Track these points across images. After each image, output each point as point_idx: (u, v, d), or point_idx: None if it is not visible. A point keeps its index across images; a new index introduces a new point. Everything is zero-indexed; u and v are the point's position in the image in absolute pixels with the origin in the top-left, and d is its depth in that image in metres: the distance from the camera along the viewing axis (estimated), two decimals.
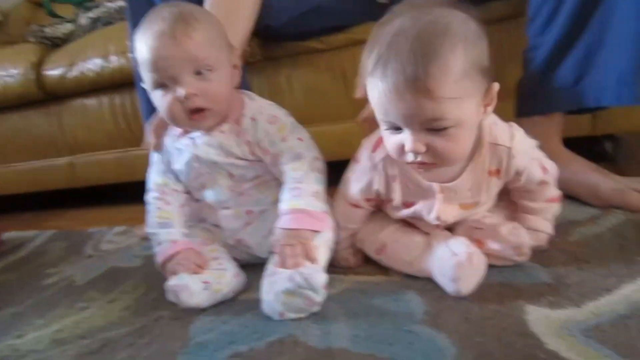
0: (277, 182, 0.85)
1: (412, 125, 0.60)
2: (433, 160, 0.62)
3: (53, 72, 1.49)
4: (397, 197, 0.75)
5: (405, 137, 0.61)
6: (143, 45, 0.77)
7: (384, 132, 0.66)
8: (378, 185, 0.75)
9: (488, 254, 0.71)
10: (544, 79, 0.93)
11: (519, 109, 0.97)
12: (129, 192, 1.62)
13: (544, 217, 0.76)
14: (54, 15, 1.78)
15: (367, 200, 0.79)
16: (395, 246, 0.78)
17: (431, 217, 0.73)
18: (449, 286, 0.68)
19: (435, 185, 0.71)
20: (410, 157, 0.63)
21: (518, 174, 0.71)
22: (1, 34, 2.23)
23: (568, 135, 1.00)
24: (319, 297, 0.70)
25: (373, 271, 0.80)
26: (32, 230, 1.49)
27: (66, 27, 1.63)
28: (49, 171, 1.64)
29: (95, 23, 1.64)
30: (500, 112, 1.08)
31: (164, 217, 0.87)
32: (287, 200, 0.78)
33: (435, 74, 0.56)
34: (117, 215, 1.50)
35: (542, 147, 0.94)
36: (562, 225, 0.82)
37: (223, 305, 0.78)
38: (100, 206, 1.67)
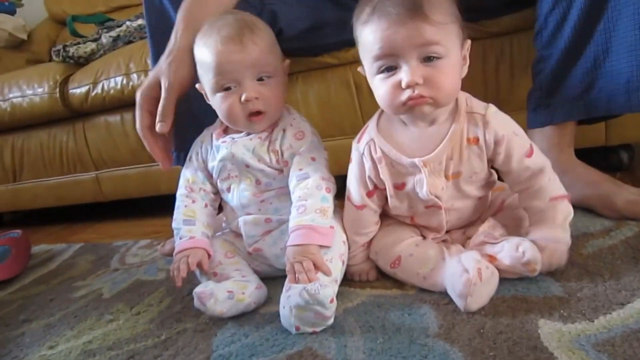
0: None
1: (410, 54, 0.67)
2: (429, 93, 0.68)
3: (77, 90, 1.55)
4: (387, 180, 0.78)
5: (404, 72, 0.68)
6: (208, 50, 0.82)
7: (377, 81, 0.71)
8: (369, 171, 0.79)
9: (500, 269, 0.72)
10: (554, 90, 0.94)
11: (530, 120, 0.98)
12: (153, 206, 1.67)
13: (554, 222, 0.74)
14: (76, 34, 1.83)
15: (369, 196, 0.82)
16: (409, 260, 0.80)
17: (424, 192, 0.76)
18: (458, 302, 0.70)
19: (417, 160, 0.74)
20: (407, 94, 0.68)
21: (497, 144, 0.74)
22: (25, 52, 2.32)
23: (582, 146, 1.01)
24: (328, 311, 0.71)
25: (389, 285, 0.82)
26: (61, 243, 1.55)
27: (89, 46, 1.68)
28: (76, 186, 1.69)
29: (116, 42, 1.69)
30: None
31: (188, 215, 0.91)
32: (293, 218, 0.81)
33: (430, 3, 0.66)
34: (142, 228, 1.55)
35: (555, 159, 0.96)
36: (575, 238, 0.83)
37: (244, 318, 0.81)
38: (126, 220, 1.72)
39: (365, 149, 0.79)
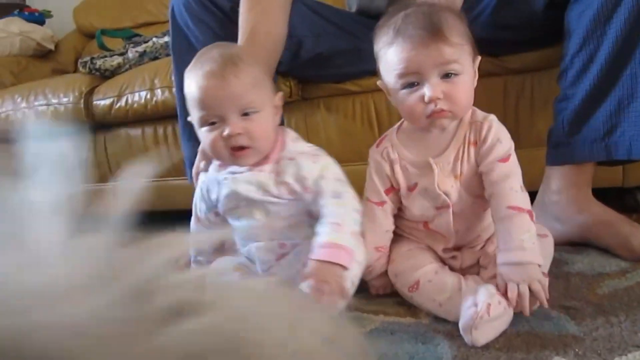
0: (310, 222, 0.88)
1: (432, 72, 0.75)
2: (448, 107, 0.76)
3: (102, 102, 1.58)
4: (401, 180, 0.86)
5: (426, 88, 0.76)
6: (193, 84, 0.82)
7: (401, 95, 0.79)
8: (387, 170, 0.87)
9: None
10: (575, 129, 0.95)
11: (550, 157, 0.99)
12: (168, 220, 1.68)
13: (511, 238, 0.74)
14: (104, 47, 1.88)
15: (387, 193, 0.87)
16: (427, 285, 0.81)
17: (435, 187, 0.82)
18: (464, 335, 0.71)
19: (430, 159, 0.83)
20: (430, 108, 0.76)
21: (483, 143, 0.81)
22: (52, 62, 2.38)
23: (599, 186, 1.02)
24: None
25: (402, 312, 0.83)
26: None
27: (115, 60, 1.72)
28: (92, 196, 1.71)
29: (142, 57, 1.73)
30: (532, 159, 1.11)
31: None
32: (327, 234, 0.80)
33: (447, 27, 0.75)
34: None
35: (573, 197, 0.96)
36: (591, 277, 0.83)
37: None
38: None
39: (385, 150, 0.87)
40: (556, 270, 0.86)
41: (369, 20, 1.02)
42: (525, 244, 0.74)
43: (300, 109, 1.32)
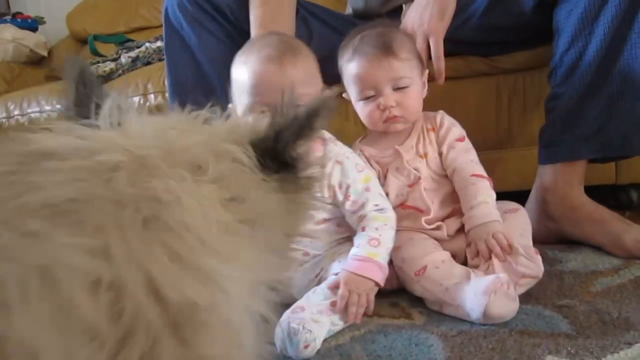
0: (339, 231, 0.89)
1: (385, 85, 0.88)
2: (401, 113, 0.90)
3: None
4: (377, 168, 0.94)
5: (381, 98, 0.89)
6: (246, 67, 0.81)
7: (361, 105, 0.92)
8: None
9: None
10: (567, 127, 0.95)
11: (542, 156, 1.00)
12: None
13: (476, 199, 0.85)
14: (97, 53, 1.88)
15: None
16: (435, 271, 0.82)
17: (404, 165, 0.92)
18: (480, 301, 0.72)
19: (396, 146, 0.94)
20: (385, 115, 0.89)
21: (440, 127, 0.94)
22: (45, 69, 2.37)
23: (592, 183, 1.02)
24: (298, 355, 0.70)
25: (396, 314, 0.82)
26: None
27: (108, 65, 1.72)
28: None
29: (135, 62, 1.73)
30: (525, 158, 1.12)
31: None
32: (364, 247, 0.80)
33: (397, 45, 0.89)
34: None
35: (565, 195, 0.97)
36: (584, 275, 0.83)
37: None
38: None
39: (360, 155, 0.96)
40: (549, 269, 0.86)
41: (364, 22, 1.02)
42: (491, 207, 0.85)
43: None
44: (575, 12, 0.89)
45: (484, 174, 0.90)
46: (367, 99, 0.91)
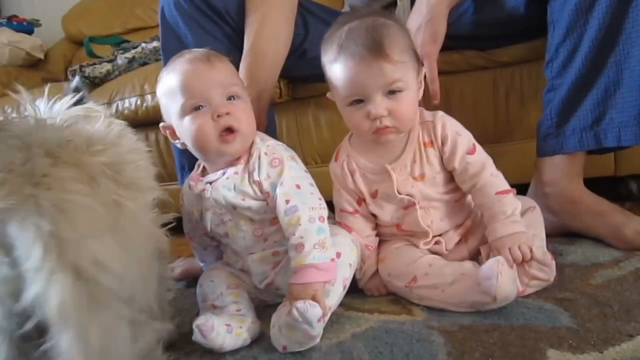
0: None
1: (375, 91, 0.77)
2: (393, 124, 0.79)
3: None
4: (363, 189, 0.88)
5: (371, 106, 0.78)
6: (174, 73, 0.84)
7: (348, 111, 0.82)
8: (350, 183, 0.89)
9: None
10: (564, 119, 0.95)
11: (540, 148, 0.99)
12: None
13: (505, 215, 0.80)
14: (93, 55, 1.88)
15: (359, 203, 0.90)
16: (425, 278, 0.82)
17: (395, 192, 0.84)
18: (488, 283, 0.72)
19: (387, 165, 0.85)
20: (375, 124, 0.79)
21: (443, 142, 0.84)
22: (42, 71, 2.36)
23: (591, 175, 1.02)
24: (315, 330, 0.72)
25: (397, 310, 0.82)
26: None
27: (104, 67, 1.72)
28: None
29: (131, 63, 1.72)
30: (524, 151, 1.11)
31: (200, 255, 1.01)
32: (294, 258, 0.79)
33: (389, 44, 0.76)
34: None
35: (564, 188, 0.96)
36: (584, 268, 0.83)
37: (254, 341, 0.81)
38: None
39: (344, 162, 0.89)
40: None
41: None
42: (517, 218, 0.80)
43: (291, 109, 1.33)
44: (569, 3, 0.88)
45: (507, 186, 0.83)
46: (353, 104, 0.80)
